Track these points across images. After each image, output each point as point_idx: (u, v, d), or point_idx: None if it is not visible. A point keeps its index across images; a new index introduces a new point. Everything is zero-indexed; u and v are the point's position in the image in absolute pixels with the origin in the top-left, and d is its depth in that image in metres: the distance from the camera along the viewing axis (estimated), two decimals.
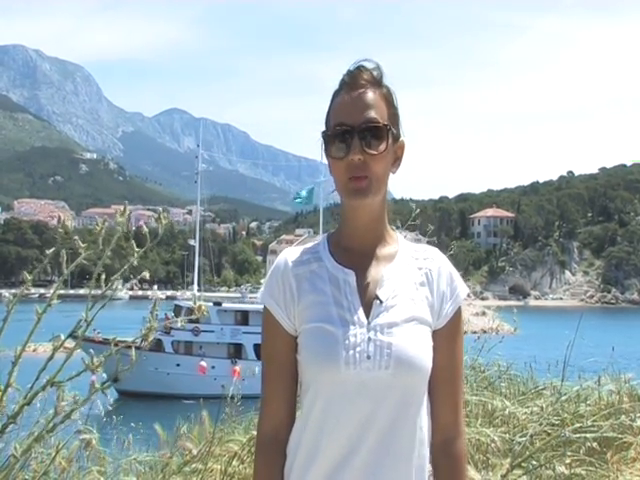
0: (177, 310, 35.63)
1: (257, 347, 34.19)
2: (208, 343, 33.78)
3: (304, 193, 42.38)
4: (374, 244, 1.76)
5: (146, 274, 2.46)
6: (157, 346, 30.19)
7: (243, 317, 34.98)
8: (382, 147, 1.68)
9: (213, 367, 33.11)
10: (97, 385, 2.30)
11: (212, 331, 33.40)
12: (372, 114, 1.68)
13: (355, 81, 1.70)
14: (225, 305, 36.31)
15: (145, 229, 2.39)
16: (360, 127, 1.67)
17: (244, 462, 4.10)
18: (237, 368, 32.62)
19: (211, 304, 35.27)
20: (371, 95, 1.69)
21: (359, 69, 1.71)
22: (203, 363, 33.05)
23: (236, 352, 34.58)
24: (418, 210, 5.06)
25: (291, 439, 1.73)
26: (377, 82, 1.71)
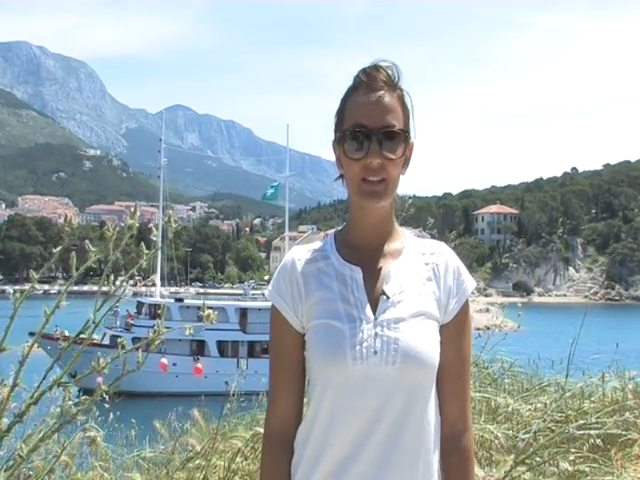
0: (139, 307, 35.19)
1: (220, 344, 34.17)
2: (170, 340, 31.99)
3: (271, 190, 43.10)
4: (381, 241, 1.77)
5: (156, 278, 2.46)
6: (116, 343, 29.21)
7: None
8: (399, 152, 1.69)
9: (174, 364, 32.52)
10: (103, 386, 2.30)
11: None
12: (391, 119, 1.68)
13: (373, 81, 1.69)
14: (187, 301, 35.10)
15: (155, 231, 2.39)
16: (379, 131, 1.67)
17: (248, 458, 4.11)
18: (199, 365, 32.37)
19: (172, 300, 34.50)
20: (389, 98, 1.69)
21: (376, 69, 1.70)
22: (164, 360, 32.05)
23: (199, 349, 34.18)
24: (410, 200, 5.12)
25: (299, 434, 1.74)
26: (394, 84, 1.71)
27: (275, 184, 44.85)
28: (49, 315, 2.21)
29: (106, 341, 30.30)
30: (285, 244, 47.06)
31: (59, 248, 2.23)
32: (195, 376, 31.77)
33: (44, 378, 2.28)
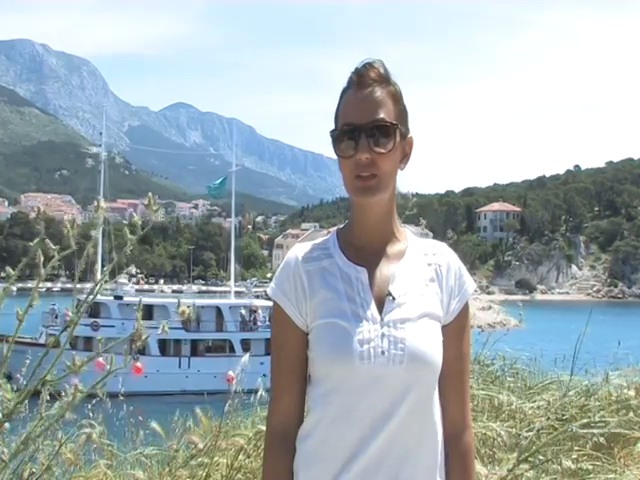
0: (78, 305, 34.62)
1: (161, 343, 33.11)
2: (108, 338, 32.12)
3: (217, 184, 41.62)
4: (384, 241, 1.78)
5: (132, 269, 2.44)
6: (54, 342, 28.51)
7: (147, 311, 31.79)
8: (390, 146, 1.70)
9: None
10: (80, 386, 2.28)
11: (112, 326, 30.42)
12: (379, 113, 1.69)
13: (363, 79, 1.71)
14: (126, 299, 33.94)
15: (135, 216, 2.38)
16: (367, 126, 1.68)
17: (250, 456, 4.10)
18: (139, 364, 31.92)
19: (112, 298, 33.69)
20: (378, 94, 1.71)
21: (366, 67, 1.72)
22: (101, 359, 31.90)
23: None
24: (414, 199, 5.08)
25: (301, 432, 1.74)
26: (384, 80, 1.73)
27: (221, 179, 43.04)
28: (22, 315, 2.20)
29: (42, 340, 29.61)
30: (231, 239, 44.85)
31: (35, 241, 2.22)
32: (134, 375, 31.36)
33: (32, 374, 2.26)
